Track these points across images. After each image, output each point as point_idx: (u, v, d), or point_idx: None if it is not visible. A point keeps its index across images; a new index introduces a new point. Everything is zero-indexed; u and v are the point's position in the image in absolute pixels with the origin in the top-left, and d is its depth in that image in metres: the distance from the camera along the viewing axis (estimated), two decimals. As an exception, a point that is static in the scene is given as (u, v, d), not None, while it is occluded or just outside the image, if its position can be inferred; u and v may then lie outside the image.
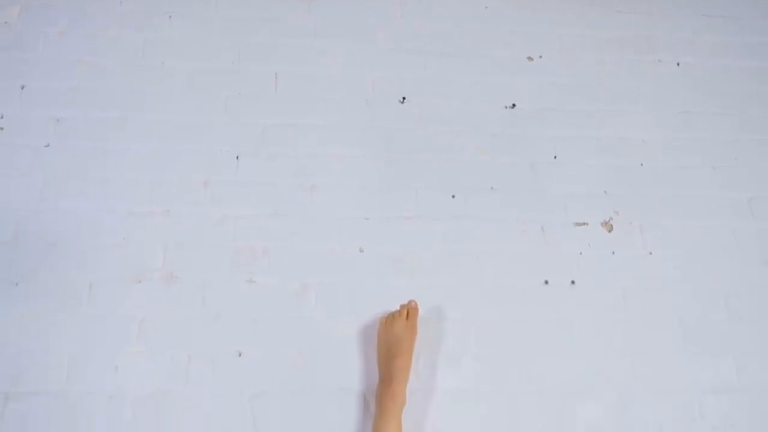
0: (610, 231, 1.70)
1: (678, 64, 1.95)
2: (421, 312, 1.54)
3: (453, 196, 1.71)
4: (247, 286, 1.57)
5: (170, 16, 1.85)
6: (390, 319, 1.52)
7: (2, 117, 1.67)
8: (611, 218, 1.72)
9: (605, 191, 1.75)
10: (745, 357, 1.60)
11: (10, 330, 1.48)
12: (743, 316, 1.64)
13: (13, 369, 1.45)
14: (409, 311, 1.52)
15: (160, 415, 1.44)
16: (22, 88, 1.72)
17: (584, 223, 1.71)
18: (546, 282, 1.64)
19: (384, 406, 1.42)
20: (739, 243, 1.72)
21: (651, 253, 1.69)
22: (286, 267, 1.59)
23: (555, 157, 1.78)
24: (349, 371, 1.52)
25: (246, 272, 1.58)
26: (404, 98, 1.81)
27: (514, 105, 1.84)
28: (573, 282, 1.64)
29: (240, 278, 1.57)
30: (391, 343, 1.48)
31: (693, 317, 1.63)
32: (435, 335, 1.57)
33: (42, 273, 1.54)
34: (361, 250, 1.63)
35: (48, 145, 1.66)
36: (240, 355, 1.50)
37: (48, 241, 1.57)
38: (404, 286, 1.59)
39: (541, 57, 1.91)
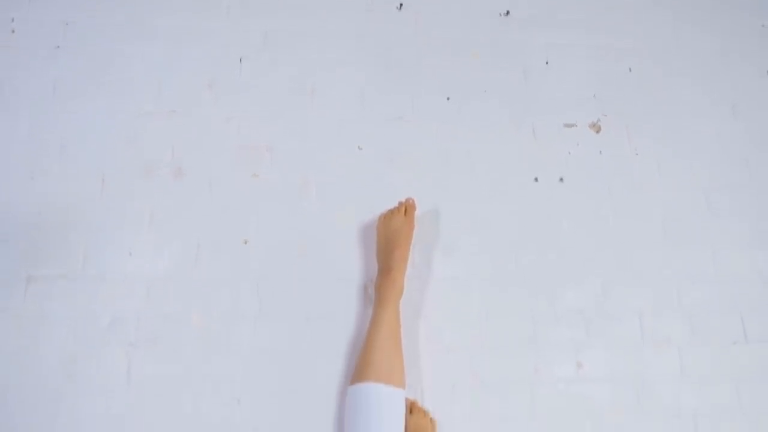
0: (598, 132, 1.77)
1: (668, -25, 2.00)
2: (417, 209, 1.62)
3: (448, 99, 1.78)
4: (251, 181, 1.65)
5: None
6: (389, 215, 1.60)
7: (13, 20, 1.72)
8: (599, 120, 1.79)
9: (594, 95, 1.82)
10: (721, 249, 1.69)
11: (29, 217, 1.56)
12: (721, 212, 1.73)
13: (33, 253, 1.53)
14: (407, 207, 1.60)
15: (172, 297, 1.53)
16: (32, -9, 1.77)
17: (573, 125, 1.78)
18: (536, 179, 1.72)
19: (383, 293, 1.50)
20: (721, 144, 1.80)
21: (636, 153, 1.77)
22: (288, 164, 1.67)
23: (547, 63, 1.84)
24: (350, 263, 1.60)
25: (250, 168, 1.66)
26: (401, 5, 1.86)
27: (508, 12, 1.89)
28: (561, 179, 1.72)
29: (244, 173, 1.65)
30: (389, 237, 1.56)
31: (674, 212, 1.72)
32: (431, 230, 1.65)
33: (56, 167, 1.61)
34: (360, 149, 1.70)
35: (58, 47, 1.71)
36: (246, 243, 1.59)
37: (61, 138, 1.64)
38: (401, 183, 1.67)
39: (534, -34, 1.96)
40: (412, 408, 1.45)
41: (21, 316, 1.48)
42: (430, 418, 1.46)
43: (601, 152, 1.75)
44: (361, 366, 1.42)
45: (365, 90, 1.76)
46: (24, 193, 1.58)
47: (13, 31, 1.71)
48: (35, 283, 1.51)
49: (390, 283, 1.50)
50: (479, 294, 1.60)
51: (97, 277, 1.53)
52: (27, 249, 1.54)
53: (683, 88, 1.85)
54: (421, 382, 1.51)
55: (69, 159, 1.63)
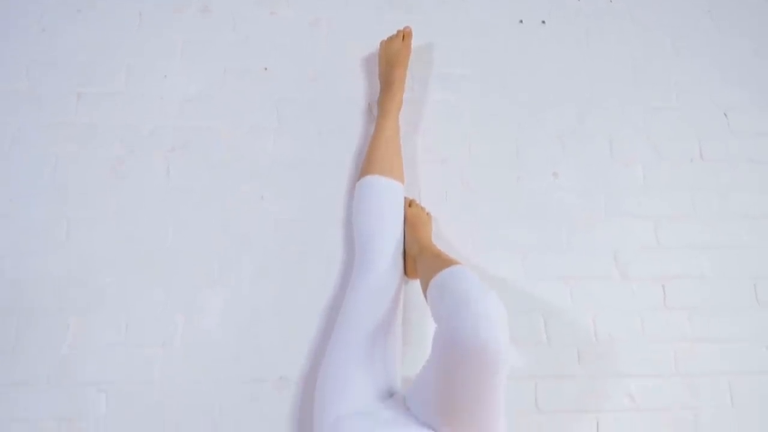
0: (577, -18, 1.99)
1: None
2: (415, 43, 1.84)
3: (443, -48, 1.99)
4: (269, 17, 1.87)
5: None
6: (389, 40, 1.82)
7: None
8: (579, -29, 2.00)
9: (575, -49, 2.02)
10: (683, 84, 1.91)
11: (76, 44, 1.80)
12: (685, 54, 1.94)
13: (82, 73, 1.77)
14: (404, 34, 1.81)
15: (203, 113, 1.77)
16: None
17: (555, -25, 1.99)
18: (521, 21, 1.93)
19: (385, 107, 1.74)
20: (687, -4, 2.02)
21: (611, 1, 1.98)
22: (302, 3, 1.89)
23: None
24: (355, 87, 1.83)
25: (268, 6, 1.88)
26: None
27: None
28: (543, 22, 1.94)
29: (263, 11, 1.87)
30: (389, 58, 1.79)
31: (642, 53, 1.93)
32: (427, 61, 1.87)
33: (99, 3, 1.84)
34: (366, -8, 1.93)
35: None
36: (266, 70, 1.82)
37: (101, -21, 1.86)
38: (401, 21, 1.87)
39: None
40: (411, 203, 1.69)
41: (74, 124, 1.72)
42: (427, 212, 1.71)
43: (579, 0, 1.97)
44: (365, 164, 1.66)
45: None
46: (72, 23, 1.81)
47: None
48: (84, 99, 1.75)
49: (390, 97, 1.74)
50: (469, 115, 1.83)
51: (137, 95, 1.77)
52: (76, 70, 1.77)
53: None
54: (419, 188, 1.75)
55: (109, -3, 1.85)
